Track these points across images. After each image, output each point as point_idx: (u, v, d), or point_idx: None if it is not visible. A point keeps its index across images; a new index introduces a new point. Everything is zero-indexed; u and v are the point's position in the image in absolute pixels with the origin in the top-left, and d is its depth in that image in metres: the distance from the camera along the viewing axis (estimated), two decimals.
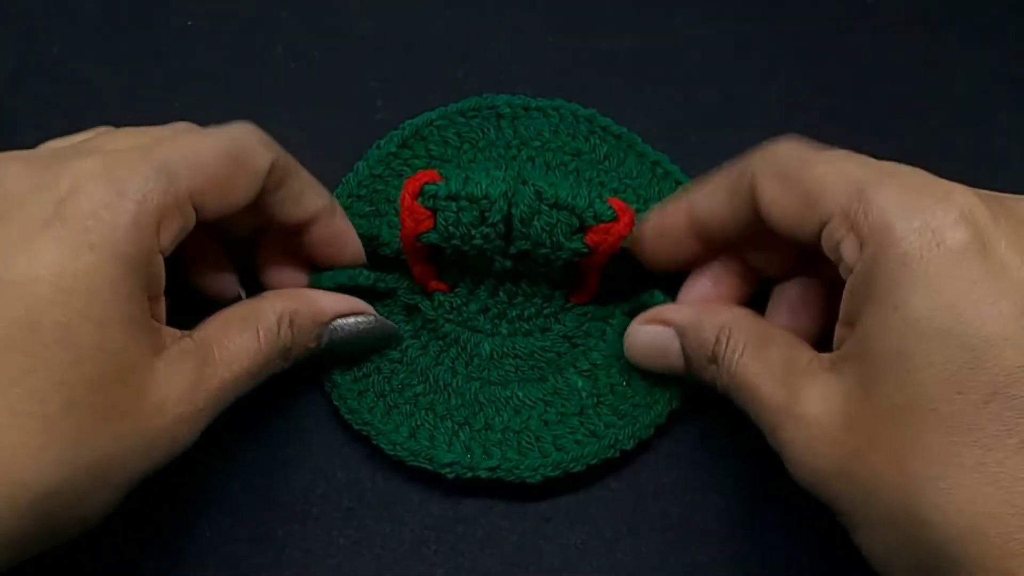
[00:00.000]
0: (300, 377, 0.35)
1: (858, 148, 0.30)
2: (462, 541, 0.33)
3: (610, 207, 0.32)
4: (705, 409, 0.35)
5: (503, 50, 0.41)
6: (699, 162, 0.37)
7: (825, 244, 0.28)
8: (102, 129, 0.32)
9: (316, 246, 0.33)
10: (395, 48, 0.41)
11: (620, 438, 0.33)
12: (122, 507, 0.33)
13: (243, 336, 0.30)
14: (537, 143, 0.37)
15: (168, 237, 0.28)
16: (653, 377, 0.34)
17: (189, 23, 0.42)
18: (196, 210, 0.29)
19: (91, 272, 0.26)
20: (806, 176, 0.28)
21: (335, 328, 0.33)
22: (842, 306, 0.27)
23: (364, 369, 0.34)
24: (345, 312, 0.33)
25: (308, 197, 0.32)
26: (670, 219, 0.32)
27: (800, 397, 0.28)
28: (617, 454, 0.33)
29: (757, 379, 0.29)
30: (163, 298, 0.29)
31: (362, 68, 0.41)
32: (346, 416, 0.34)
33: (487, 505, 0.34)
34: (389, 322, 0.34)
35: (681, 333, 0.32)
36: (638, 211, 0.35)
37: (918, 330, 0.24)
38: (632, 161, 0.37)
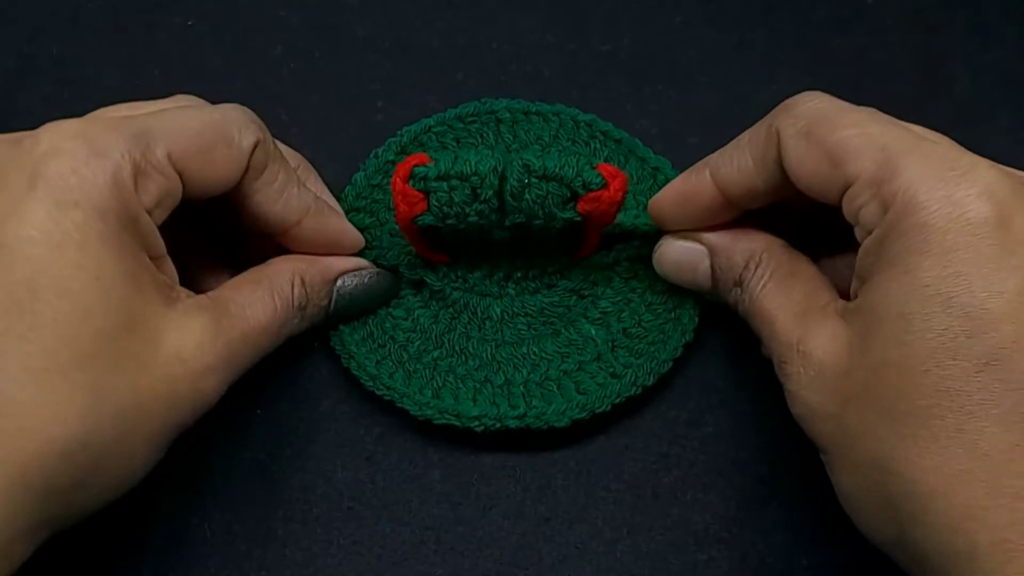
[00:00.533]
0: (301, 376, 0.35)
1: None
2: (462, 541, 0.33)
3: (599, 174, 0.32)
4: (705, 408, 0.35)
5: (503, 51, 0.41)
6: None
7: (846, 206, 0.28)
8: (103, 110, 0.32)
9: (310, 249, 0.33)
10: (395, 49, 0.41)
11: (640, 375, 0.34)
12: (122, 506, 0.33)
13: (257, 294, 0.31)
14: (537, 148, 0.37)
15: (150, 198, 0.28)
16: (664, 315, 0.35)
17: (189, 23, 0.42)
18: (182, 177, 0.29)
19: (80, 227, 0.26)
20: (832, 137, 0.28)
21: (342, 284, 0.33)
22: (857, 263, 0.28)
23: (379, 339, 0.35)
24: (350, 268, 0.34)
25: (291, 192, 0.32)
26: (694, 186, 0.32)
27: (809, 336, 0.29)
28: (639, 391, 0.34)
29: (776, 311, 0.30)
30: (169, 259, 0.30)
31: (362, 69, 0.41)
32: (367, 383, 0.34)
33: (487, 505, 0.34)
34: (389, 273, 0.35)
35: (712, 252, 0.32)
36: (637, 217, 0.35)
37: (924, 294, 0.25)
38: (632, 166, 0.37)
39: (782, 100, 0.36)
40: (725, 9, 0.42)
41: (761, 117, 0.39)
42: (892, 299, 0.26)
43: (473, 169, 0.32)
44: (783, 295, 0.30)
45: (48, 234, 0.26)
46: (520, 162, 0.32)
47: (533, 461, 0.34)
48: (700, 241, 0.33)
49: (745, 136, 0.31)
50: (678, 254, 0.33)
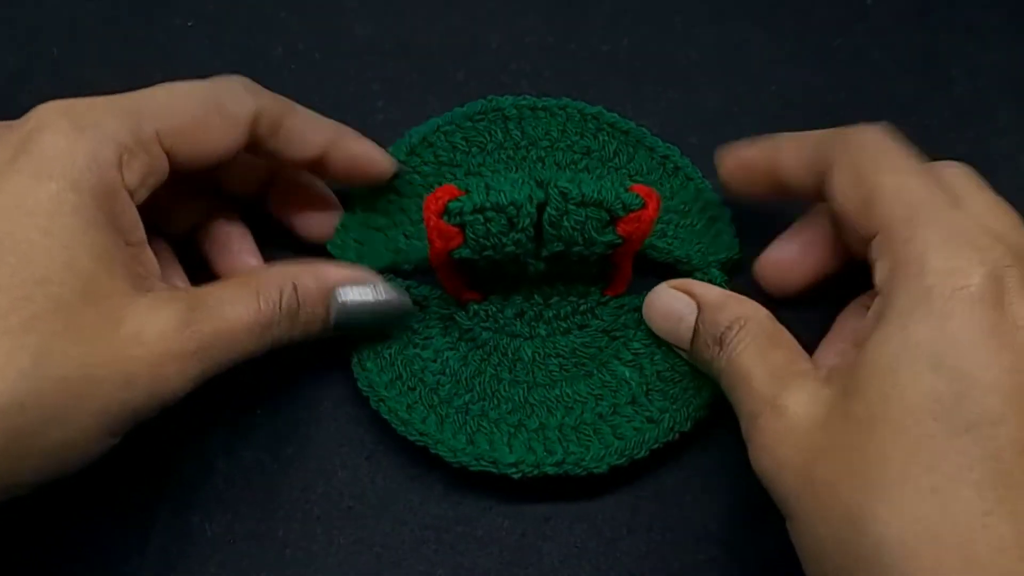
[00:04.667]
0: (301, 376, 0.35)
1: None
2: (462, 541, 0.33)
3: (636, 195, 0.32)
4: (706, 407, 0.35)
5: (503, 51, 0.41)
6: (699, 162, 0.37)
7: (869, 253, 0.29)
8: None
9: (341, 176, 0.35)
10: (395, 49, 0.41)
11: (678, 420, 0.33)
12: (122, 506, 0.33)
13: (240, 292, 0.30)
14: (545, 143, 0.37)
15: (134, 176, 0.29)
16: None
17: (189, 23, 0.42)
18: (169, 154, 0.30)
19: (52, 198, 0.27)
20: (873, 178, 0.29)
21: (344, 296, 0.32)
22: (862, 326, 0.28)
23: (409, 382, 0.34)
24: (349, 279, 0.32)
25: (310, 133, 0.33)
26: (753, 155, 0.33)
27: (787, 394, 0.28)
28: (676, 437, 0.33)
29: (753, 370, 0.29)
30: (149, 251, 0.30)
31: (362, 69, 0.41)
32: (399, 429, 0.33)
33: (487, 505, 0.34)
34: (402, 293, 0.33)
35: (701, 307, 0.32)
36: (664, 234, 0.35)
37: (916, 352, 0.25)
38: (642, 156, 0.37)
39: (782, 100, 0.36)
40: (725, 9, 0.42)
41: (761, 117, 0.40)
42: (883, 353, 0.26)
43: (509, 199, 0.31)
44: (761, 357, 0.30)
45: (21, 202, 0.27)
46: (556, 190, 0.31)
47: None
48: (692, 295, 0.32)
49: (814, 135, 0.32)
50: (669, 300, 0.33)
